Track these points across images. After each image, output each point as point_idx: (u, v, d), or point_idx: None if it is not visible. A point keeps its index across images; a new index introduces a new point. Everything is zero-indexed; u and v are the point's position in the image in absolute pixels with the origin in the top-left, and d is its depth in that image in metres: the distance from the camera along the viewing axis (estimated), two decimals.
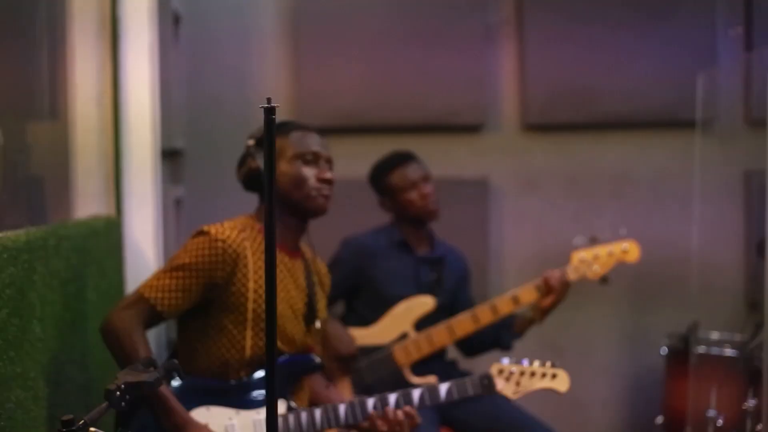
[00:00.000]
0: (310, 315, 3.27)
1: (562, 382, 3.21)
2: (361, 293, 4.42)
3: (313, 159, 3.17)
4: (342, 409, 3.12)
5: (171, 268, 3.02)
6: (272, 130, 1.96)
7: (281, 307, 3.12)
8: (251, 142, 3.15)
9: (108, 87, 4.04)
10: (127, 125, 4.16)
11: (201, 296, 3.03)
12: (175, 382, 2.97)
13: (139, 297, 3.01)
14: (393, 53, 5.39)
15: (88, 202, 3.98)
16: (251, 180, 3.16)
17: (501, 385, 3.23)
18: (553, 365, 3.24)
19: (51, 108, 3.89)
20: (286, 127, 3.19)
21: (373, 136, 5.39)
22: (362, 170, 5.33)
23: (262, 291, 3.07)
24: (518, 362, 3.24)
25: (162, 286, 3.00)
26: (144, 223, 4.22)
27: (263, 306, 3.06)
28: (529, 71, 5.43)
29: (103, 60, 4.03)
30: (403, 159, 4.43)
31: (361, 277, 4.39)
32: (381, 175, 4.45)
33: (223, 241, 3.01)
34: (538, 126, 5.48)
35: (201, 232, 3.05)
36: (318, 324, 3.29)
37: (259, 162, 3.12)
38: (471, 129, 5.47)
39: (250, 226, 3.14)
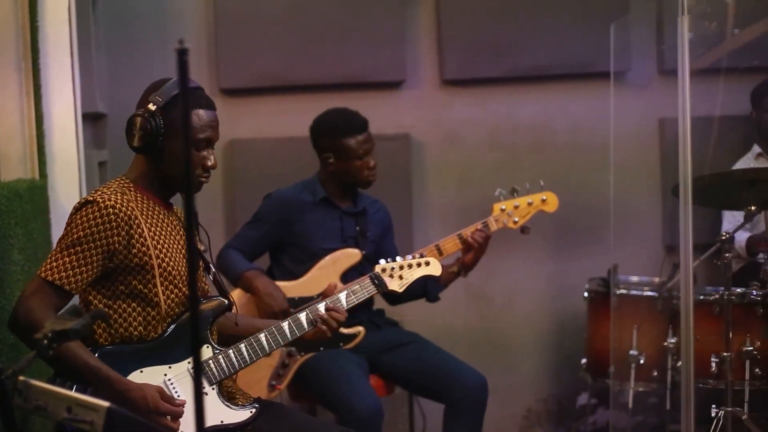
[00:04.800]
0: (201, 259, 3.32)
1: (435, 267, 3.51)
2: (285, 247, 4.49)
3: (204, 145, 3.16)
4: (263, 337, 3.21)
5: (67, 246, 3.01)
6: (185, 73, 1.98)
7: (178, 258, 3.17)
8: (153, 107, 3.10)
9: (27, 51, 4.04)
10: (48, 89, 4.17)
11: (103, 266, 3.04)
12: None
13: (42, 282, 3.00)
14: (312, 12, 5.43)
15: (11, 167, 3.99)
16: (146, 141, 3.10)
17: (388, 282, 3.43)
18: (422, 255, 3.55)
19: None
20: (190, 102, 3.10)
21: (295, 95, 5.43)
22: (285, 129, 5.38)
23: (161, 246, 3.11)
24: (395, 259, 3.48)
25: (63, 266, 3.00)
26: (69, 187, 4.24)
27: (167, 260, 3.12)
28: (447, 28, 5.49)
29: (21, 24, 4.03)
30: (362, 127, 4.48)
31: (286, 232, 4.46)
32: (335, 136, 4.46)
33: (113, 207, 3.01)
34: (457, 81, 5.56)
35: (87, 202, 3.04)
36: (211, 268, 3.34)
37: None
38: (391, 86, 5.53)
39: (126, 187, 3.14)
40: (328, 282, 4.31)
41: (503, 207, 4.42)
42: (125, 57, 5.33)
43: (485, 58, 5.50)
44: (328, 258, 4.41)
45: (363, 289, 3.38)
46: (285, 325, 3.24)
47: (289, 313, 4.20)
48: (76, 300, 3.11)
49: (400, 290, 3.45)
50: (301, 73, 5.41)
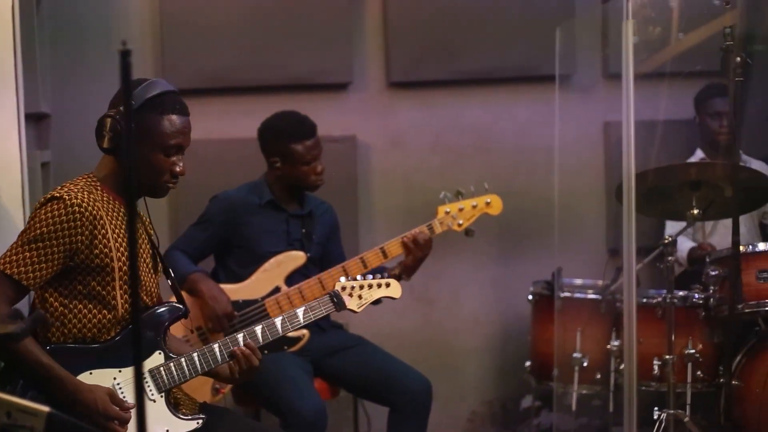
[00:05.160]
0: (156, 264, 3.31)
1: (395, 290, 3.50)
2: (231, 249, 4.46)
3: (174, 151, 3.16)
4: (217, 347, 3.19)
5: (28, 240, 2.99)
6: (128, 74, 1.97)
7: (139, 261, 3.14)
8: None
9: None
10: None
11: (63, 264, 3.02)
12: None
13: (0, 275, 3.00)
14: (258, 13, 5.40)
15: None
16: (115, 143, 3.07)
17: (347, 301, 3.42)
18: (383, 277, 3.52)
19: None
20: (163, 106, 3.12)
21: (241, 97, 5.41)
22: (230, 131, 5.35)
23: (123, 249, 3.09)
24: (355, 278, 3.47)
25: (23, 260, 2.98)
26: (11, 187, 4.17)
27: (128, 263, 3.09)
28: (393, 30, 5.50)
29: None
30: (310, 132, 4.47)
31: (231, 233, 4.44)
32: (282, 140, 4.45)
33: (79, 205, 3.00)
34: (403, 84, 5.56)
35: (53, 198, 3.02)
36: (170, 273, 3.33)
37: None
38: (338, 87, 5.53)
39: (93, 186, 3.12)
40: (272, 285, 4.36)
41: (448, 210, 4.43)
42: (69, 57, 5.28)
43: (431, 60, 5.51)
44: (272, 260, 4.39)
45: (321, 306, 3.36)
46: (240, 336, 3.22)
47: (233, 317, 4.22)
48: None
49: (358, 310, 3.44)
50: (247, 74, 5.39)
